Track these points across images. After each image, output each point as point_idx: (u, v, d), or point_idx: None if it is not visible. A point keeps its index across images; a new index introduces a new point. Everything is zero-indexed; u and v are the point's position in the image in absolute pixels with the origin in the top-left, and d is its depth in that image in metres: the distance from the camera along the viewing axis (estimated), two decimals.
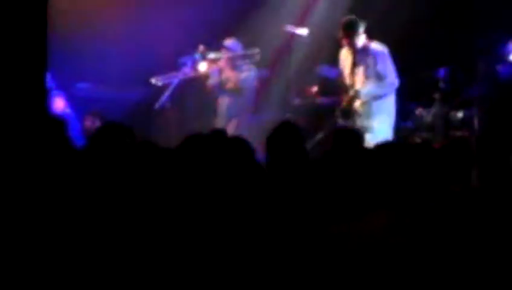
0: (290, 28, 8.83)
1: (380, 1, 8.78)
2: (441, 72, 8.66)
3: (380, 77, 7.97)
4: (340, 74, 8.27)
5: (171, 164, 3.99)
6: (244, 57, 9.00)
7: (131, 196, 3.72)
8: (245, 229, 3.64)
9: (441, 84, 8.71)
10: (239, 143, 4.46)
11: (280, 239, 3.58)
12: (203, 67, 8.97)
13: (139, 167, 3.89)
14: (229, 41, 9.04)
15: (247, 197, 3.94)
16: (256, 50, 8.97)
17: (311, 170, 4.91)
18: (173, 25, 9.74)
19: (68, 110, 9.36)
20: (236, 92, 8.95)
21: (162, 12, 9.68)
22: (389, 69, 7.97)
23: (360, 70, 8.01)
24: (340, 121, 7.99)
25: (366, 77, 7.99)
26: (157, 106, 8.92)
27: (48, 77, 8.71)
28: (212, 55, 8.96)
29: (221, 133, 5.16)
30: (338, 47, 8.22)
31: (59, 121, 4.87)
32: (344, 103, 8.07)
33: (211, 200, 3.87)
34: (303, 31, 8.83)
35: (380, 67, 7.95)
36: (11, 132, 4.26)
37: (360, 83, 8.01)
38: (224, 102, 9.07)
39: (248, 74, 9.00)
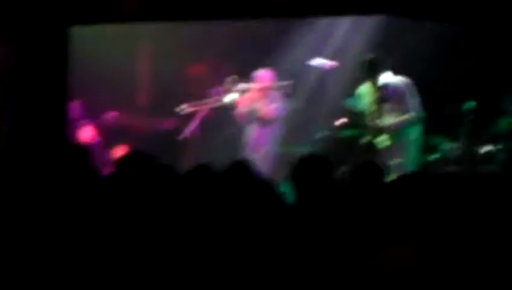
0: (318, 61, 8.88)
1: (406, 35, 8.79)
2: (469, 105, 8.66)
3: (404, 111, 7.97)
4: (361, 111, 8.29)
5: (180, 191, 4.03)
6: (275, 88, 9.05)
7: (144, 221, 3.76)
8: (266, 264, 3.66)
9: (468, 118, 8.69)
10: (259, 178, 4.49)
11: (308, 273, 3.59)
12: (230, 98, 9.03)
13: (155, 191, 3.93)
14: (262, 72, 9.11)
15: (263, 232, 3.95)
16: (288, 82, 9.01)
17: (334, 203, 4.92)
18: (203, 57, 9.83)
19: (97, 140, 9.47)
20: (265, 122, 9.00)
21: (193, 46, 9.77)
22: (412, 102, 7.98)
23: (384, 107, 8.01)
24: (363, 158, 7.93)
25: (390, 112, 7.99)
26: (183, 135, 8.99)
27: (77, 107, 8.89)
28: (242, 86, 9.03)
29: (242, 165, 5.16)
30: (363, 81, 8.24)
31: (82, 150, 4.94)
32: (365, 140, 8.10)
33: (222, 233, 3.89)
34: (331, 64, 8.88)
35: (404, 101, 7.96)
36: (33, 160, 4.33)
37: (385, 119, 8.02)
38: (252, 132, 9.12)
39: (278, 104, 9.04)
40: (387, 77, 8.00)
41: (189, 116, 9.26)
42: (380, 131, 8.00)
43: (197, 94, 9.45)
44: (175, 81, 9.79)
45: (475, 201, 3.70)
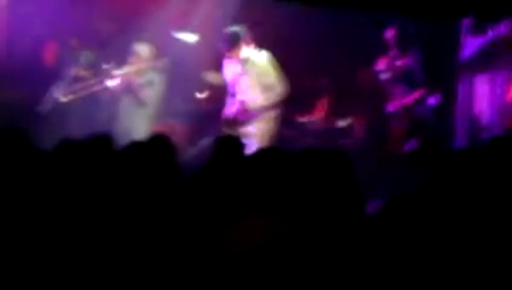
0: (178, 34, 8.85)
1: (266, 9, 8.87)
2: (325, 80, 8.86)
3: (266, 87, 7.97)
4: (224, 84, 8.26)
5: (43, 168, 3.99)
6: (149, 67, 8.77)
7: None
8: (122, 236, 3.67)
9: (325, 92, 8.90)
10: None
11: (162, 246, 3.62)
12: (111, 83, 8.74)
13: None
14: (140, 47, 8.78)
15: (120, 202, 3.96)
16: (163, 59, 8.79)
17: (194, 179, 4.99)
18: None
19: None
20: (142, 103, 8.80)
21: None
22: (275, 78, 7.98)
23: (244, 80, 8.00)
24: (225, 130, 8.00)
25: (251, 87, 7.99)
26: (40, 108, 8.66)
27: None
28: (119, 72, 8.73)
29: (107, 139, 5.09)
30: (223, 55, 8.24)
31: None
32: (228, 113, 8.11)
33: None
34: (191, 37, 8.87)
35: (265, 78, 7.96)
36: None
37: (245, 93, 8.00)
38: (124, 108, 8.93)
39: (150, 79, 8.77)
40: (247, 51, 8.02)
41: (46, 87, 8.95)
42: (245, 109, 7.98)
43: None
44: (33, 57, 9.45)
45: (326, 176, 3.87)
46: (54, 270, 3.48)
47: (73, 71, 8.80)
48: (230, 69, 8.14)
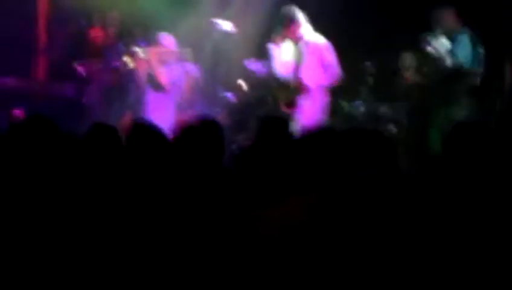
0: (215, 22, 8.83)
1: None
2: (368, 65, 8.77)
3: (325, 68, 7.80)
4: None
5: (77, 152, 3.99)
6: (173, 53, 8.89)
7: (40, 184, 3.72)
8: (165, 217, 3.66)
9: (368, 78, 8.81)
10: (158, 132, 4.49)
11: (203, 226, 3.61)
12: (129, 61, 8.82)
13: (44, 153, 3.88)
14: (162, 36, 8.93)
15: (164, 186, 3.96)
16: (187, 49, 8.90)
17: (241, 157, 4.95)
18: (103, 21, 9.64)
19: None
20: (160, 88, 8.83)
21: None
22: (334, 59, 7.84)
23: (306, 62, 7.81)
24: (284, 110, 7.79)
25: (312, 68, 7.81)
26: (85, 100, 8.79)
27: None
28: (137, 50, 8.82)
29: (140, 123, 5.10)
30: (265, 40, 8.14)
31: None
32: (290, 96, 7.88)
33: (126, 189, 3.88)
34: (228, 25, 8.83)
35: (326, 58, 7.81)
36: None
37: (306, 74, 7.81)
38: (151, 97, 8.95)
39: (177, 71, 8.90)
40: (305, 33, 7.84)
41: (89, 81, 9.09)
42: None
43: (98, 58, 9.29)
44: (74, 46, 9.57)
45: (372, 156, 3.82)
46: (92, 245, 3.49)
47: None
48: (289, 51, 7.95)
